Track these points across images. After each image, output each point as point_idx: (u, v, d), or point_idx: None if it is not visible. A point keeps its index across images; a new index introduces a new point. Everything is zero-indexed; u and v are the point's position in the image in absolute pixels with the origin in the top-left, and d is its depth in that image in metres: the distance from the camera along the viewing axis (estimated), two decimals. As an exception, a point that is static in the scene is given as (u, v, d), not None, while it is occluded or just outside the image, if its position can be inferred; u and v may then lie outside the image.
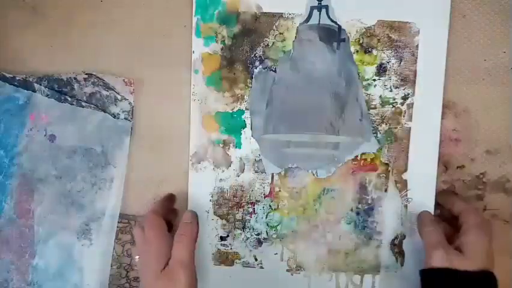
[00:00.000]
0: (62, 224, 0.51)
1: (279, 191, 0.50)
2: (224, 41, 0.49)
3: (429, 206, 0.49)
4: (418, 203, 0.49)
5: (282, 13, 0.48)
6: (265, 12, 0.48)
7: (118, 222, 0.51)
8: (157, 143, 0.51)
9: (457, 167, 0.50)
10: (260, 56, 0.49)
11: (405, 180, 0.49)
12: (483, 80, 0.49)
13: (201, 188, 0.50)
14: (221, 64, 0.49)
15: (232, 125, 0.50)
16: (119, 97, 0.50)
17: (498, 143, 0.49)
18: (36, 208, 0.51)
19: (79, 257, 0.51)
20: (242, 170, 0.50)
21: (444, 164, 0.50)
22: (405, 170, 0.49)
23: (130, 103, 0.50)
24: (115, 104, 0.50)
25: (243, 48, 0.49)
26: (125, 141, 0.50)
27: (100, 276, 0.51)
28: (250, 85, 0.49)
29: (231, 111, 0.50)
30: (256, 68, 0.49)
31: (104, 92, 0.50)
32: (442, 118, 0.49)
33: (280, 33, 0.48)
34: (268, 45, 0.49)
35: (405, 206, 0.50)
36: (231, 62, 0.49)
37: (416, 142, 0.49)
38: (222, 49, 0.49)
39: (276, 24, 0.48)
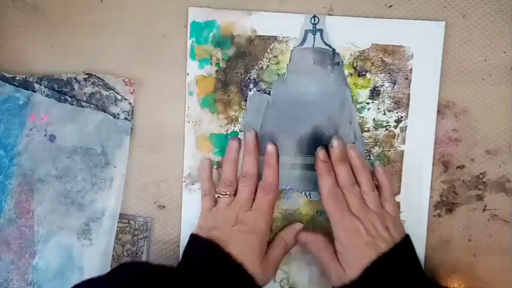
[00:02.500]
0: (62, 224, 0.51)
1: (273, 212, 0.50)
2: (219, 63, 0.49)
3: (422, 229, 0.49)
4: (411, 225, 0.49)
5: (276, 36, 0.49)
6: (260, 35, 0.49)
7: (118, 222, 0.51)
8: (157, 143, 0.51)
9: (457, 167, 0.50)
10: (254, 79, 0.49)
11: (398, 203, 0.49)
12: (483, 80, 0.49)
13: (195, 209, 0.50)
14: (215, 86, 0.49)
15: (226, 146, 0.50)
16: (119, 97, 0.50)
17: (498, 143, 0.49)
18: (36, 208, 0.51)
19: (79, 257, 0.51)
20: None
21: (444, 164, 0.50)
22: (399, 193, 0.50)
23: (130, 103, 0.50)
24: (115, 104, 0.50)
25: (238, 70, 0.49)
26: (125, 141, 0.50)
27: (100, 276, 0.51)
28: (244, 107, 0.50)
29: (225, 133, 0.50)
30: (250, 91, 0.49)
31: (104, 92, 0.50)
32: (442, 118, 0.49)
33: (274, 56, 0.49)
34: (262, 68, 0.49)
35: None
36: (226, 85, 0.49)
37: (409, 165, 0.49)
38: (216, 71, 0.49)
39: (271, 47, 0.49)
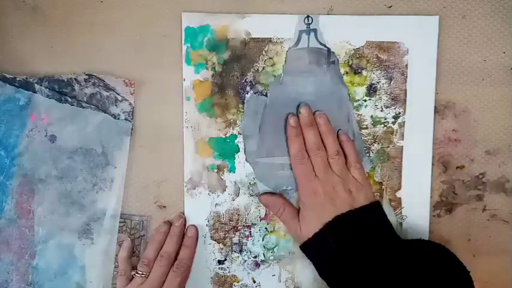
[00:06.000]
0: (63, 224, 0.51)
1: None
2: (214, 67, 0.49)
3: (424, 223, 0.49)
4: (413, 220, 0.49)
5: (270, 38, 0.49)
6: (254, 38, 0.49)
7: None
8: (157, 143, 0.51)
9: (457, 167, 0.50)
10: (251, 81, 0.49)
11: (400, 198, 0.50)
12: (483, 80, 0.49)
13: (197, 213, 0.51)
14: (212, 90, 0.49)
15: (225, 150, 0.50)
16: (119, 98, 0.50)
17: (498, 143, 0.49)
18: (37, 208, 0.51)
19: (81, 256, 0.51)
20: (237, 194, 0.50)
21: (443, 164, 0.50)
22: (399, 188, 0.50)
23: (130, 104, 0.50)
24: (116, 105, 0.50)
25: (234, 74, 0.49)
26: (125, 142, 0.50)
27: (103, 275, 0.51)
28: (242, 110, 0.50)
29: (224, 137, 0.50)
30: (247, 93, 0.49)
31: (105, 93, 0.50)
32: (442, 118, 0.49)
33: (269, 58, 0.49)
34: (258, 70, 0.49)
35: (400, 224, 0.50)
36: (222, 88, 0.49)
37: (408, 160, 0.49)
38: (212, 76, 0.49)
39: (266, 49, 0.49)
